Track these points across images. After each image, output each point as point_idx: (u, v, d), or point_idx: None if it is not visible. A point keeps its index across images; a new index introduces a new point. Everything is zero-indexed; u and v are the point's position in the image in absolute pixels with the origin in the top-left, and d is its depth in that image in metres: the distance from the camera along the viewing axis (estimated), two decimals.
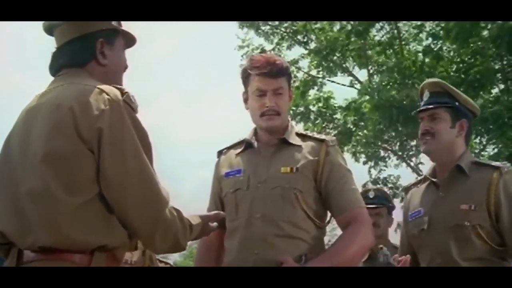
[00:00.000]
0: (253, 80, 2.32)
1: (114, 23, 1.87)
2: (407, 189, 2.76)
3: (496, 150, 12.56)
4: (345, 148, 12.65)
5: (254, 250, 2.17)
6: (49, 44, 1.88)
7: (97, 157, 1.63)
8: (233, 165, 2.38)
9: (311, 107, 12.92)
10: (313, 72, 13.37)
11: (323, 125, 13.00)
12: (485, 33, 10.14)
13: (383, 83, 10.71)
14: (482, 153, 12.78)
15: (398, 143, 12.68)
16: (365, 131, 11.98)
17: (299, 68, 13.56)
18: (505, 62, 10.63)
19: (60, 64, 1.83)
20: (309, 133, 2.41)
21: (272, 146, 2.33)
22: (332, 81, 13.36)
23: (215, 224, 1.99)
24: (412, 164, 13.11)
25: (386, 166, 13.33)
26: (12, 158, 1.71)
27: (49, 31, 1.89)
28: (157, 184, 1.71)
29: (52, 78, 1.85)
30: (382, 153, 13.25)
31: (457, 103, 2.54)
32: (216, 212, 2.05)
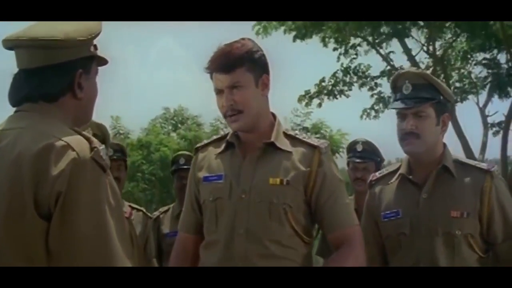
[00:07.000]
0: (213, 79, 2.05)
1: (91, 48, 1.58)
2: (372, 184, 2.50)
3: (465, 43, 12.52)
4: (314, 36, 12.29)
5: None
6: None
7: None
8: (212, 168, 2.13)
9: None
10: None
11: None
12: None
13: None
14: (453, 44, 12.73)
15: (369, 29, 12.38)
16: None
17: None
18: None
19: (25, 94, 1.52)
20: (299, 135, 2.14)
21: (257, 150, 2.07)
22: None
23: None
24: (382, 52, 12.95)
25: (356, 55, 13.14)
26: None
27: (11, 48, 1.54)
28: (117, 263, 1.42)
29: None
30: (352, 39, 12.98)
31: (441, 97, 2.31)
32: None
